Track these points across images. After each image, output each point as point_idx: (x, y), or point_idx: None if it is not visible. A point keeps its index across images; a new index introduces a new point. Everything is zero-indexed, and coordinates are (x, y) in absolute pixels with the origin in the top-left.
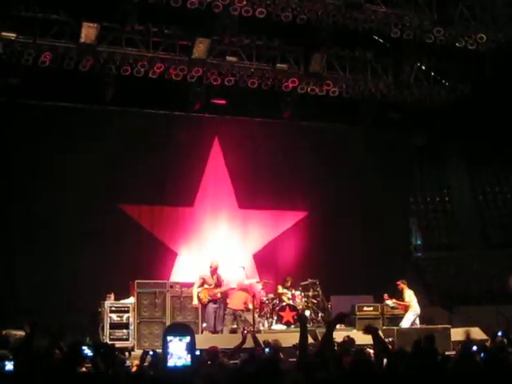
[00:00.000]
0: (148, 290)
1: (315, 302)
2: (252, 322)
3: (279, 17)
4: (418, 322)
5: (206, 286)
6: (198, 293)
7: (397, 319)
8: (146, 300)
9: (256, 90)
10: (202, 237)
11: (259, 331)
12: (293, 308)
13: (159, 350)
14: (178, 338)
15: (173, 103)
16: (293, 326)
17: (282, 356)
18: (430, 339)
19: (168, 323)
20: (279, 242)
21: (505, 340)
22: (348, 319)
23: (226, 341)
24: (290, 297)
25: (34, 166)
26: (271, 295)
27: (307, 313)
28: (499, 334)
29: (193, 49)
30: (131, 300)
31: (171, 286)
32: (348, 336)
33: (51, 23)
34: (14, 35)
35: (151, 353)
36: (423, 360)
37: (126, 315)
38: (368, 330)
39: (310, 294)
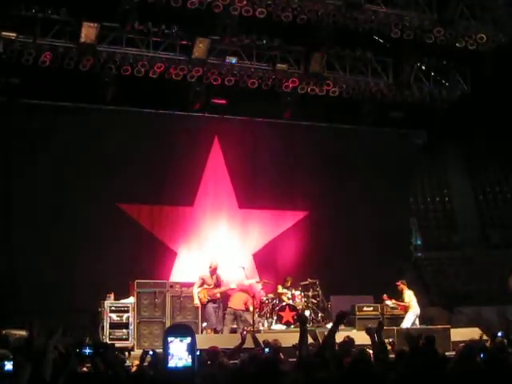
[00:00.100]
0: (148, 289)
1: (315, 301)
2: (252, 322)
3: (279, 17)
4: (417, 322)
5: (205, 286)
6: (198, 293)
7: (397, 319)
8: (146, 300)
9: (256, 90)
10: (201, 236)
11: (259, 331)
12: (293, 308)
13: (159, 350)
14: (178, 338)
15: (173, 103)
16: (292, 326)
17: (282, 356)
18: (430, 340)
19: (168, 323)
20: (279, 241)
21: (505, 340)
22: (348, 319)
23: (226, 341)
24: (290, 297)
25: (34, 166)
26: (271, 295)
27: (307, 313)
28: (499, 334)
29: (193, 49)
30: (131, 300)
31: (171, 286)
32: (348, 336)
33: (51, 23)
34: (14, 35)
35: (151, 353)
36: (423, 360)
37: (125, 315)
38: (367, 331)
39: (310, 293)
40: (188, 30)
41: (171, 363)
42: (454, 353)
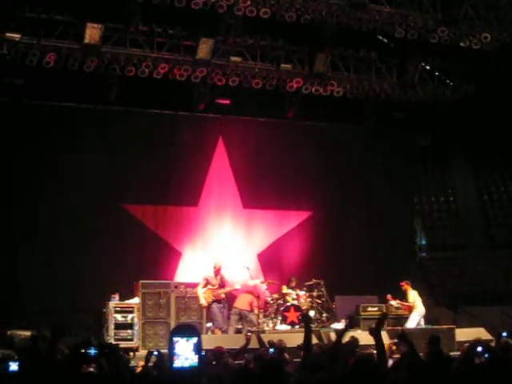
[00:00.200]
0: (152, 290)
1: (320, 302)
2: (256, 323)
3: (283, 17)
4: (422, 322)
5: (209, 286)
6: (203, 293)
7: (401, 319)
8: (151, 300)
9: (260, 90)
10: (206, 236)
11: (264, 331)
12: (297, 308)
13: (164, 351)
14: (184, 338)
15: (177, 103)
16: (297, 327)
17: (287, 356)
18: (435, 340)
19: (173, 323)
20: (283, 241)
21: (510, 341)
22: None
23: (231, 341)
24: (295, 297)
25: (38, 166)
26: (276, 295)
27: (312, 313)
28: (504, 334)
29: (197, 49)
30: (136, 300)
31: (176, 287)
32: (352, 336)
33: (55, 24)
34: (18, 36)
35: (156, 353)
36: (429, 361)
37: (130, 315)
38: (370, 331)
39: (315, 294)
40: (192, 30)
41: (177, 363)
42: (458, 353)
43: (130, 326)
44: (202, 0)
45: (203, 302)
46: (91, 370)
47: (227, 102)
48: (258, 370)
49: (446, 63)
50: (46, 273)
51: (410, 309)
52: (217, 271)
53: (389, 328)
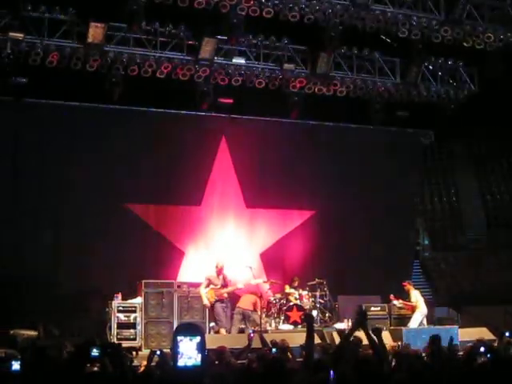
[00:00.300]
0: (155, 289)
1: (322, 301)
2: (259, 322)
3: (286, 17)
4: (425, 322)
5: (212, 286)
6: (205, 293)
7: (404, 319)
8: (154, 300)
9: (263, 90)
10: (209, 236)
11: (266, 331)
12: (300, 308)
13: (166, 350)
14: (188, 337)
15: (180, 103)
16: (300, 326)
17: (290, 356)
18: (436, 340)
19: (175, 323)
20: (286, 241)
21: None
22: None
23: (233, 341)
24: (298, 297)
25: (40, 165)
26: (278, 295)
27: (314, 313)
28: (507, 334)
29: (200, 49)
30: (138, 300)
31: (178, 286)
32: (355, 336)
33: (59, 23)
34: (21, 35)
35: (158, 352)
36: (430, 360)
37: (133, 315)
38: (374, 331)
39: (318, 293)
40: (195, 30)
41: (180, 362)
42: (461, 352)
43: (132, 325)
44: (205, 0)
45: (206, 302)
46: (95, 369)
47: (230, 101)
48: (260, 369)
49: (450, 63)
50: (48, 272)
51: (413, 309)
52: (219, 271)
53: (391, 328)
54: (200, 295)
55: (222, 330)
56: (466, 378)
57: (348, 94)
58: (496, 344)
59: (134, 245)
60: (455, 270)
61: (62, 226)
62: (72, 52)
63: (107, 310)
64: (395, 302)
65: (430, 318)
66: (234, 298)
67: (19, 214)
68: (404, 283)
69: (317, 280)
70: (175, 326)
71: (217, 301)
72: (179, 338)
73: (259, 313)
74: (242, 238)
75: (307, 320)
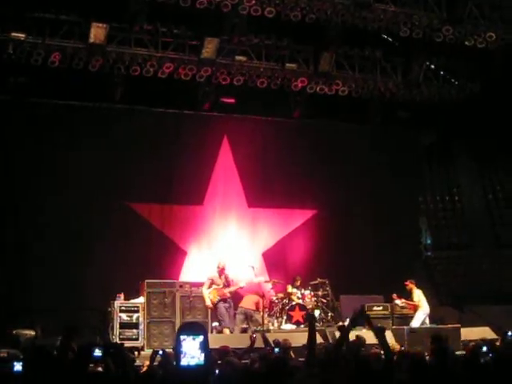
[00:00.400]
0: (157, 289)
1: (325, 301)
2: (261, 322)
3: (288, 16)
4: (427, 321)
5: (214, 286)
6: (208, 293)
7: (406, 319)
8: (156, 300)
9: (265, 90)
10: (211, 235)
11: (269, 331)
12: (302, 307)
13: (169, 350)
14: (191, 336)
15: (182, 102)
16: (302, 326)
17: (292, 355)
18: (438, 338)
19: (178, 323)
20: (288, 240)
21: None
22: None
23: (236, 340)
24: (300, 296)
25: (43, 165)
26: (281, 295)
27: (317, 312)
28: (509, 333)
29: (202, 49)
30: (141, 300)
31: (181, 286)
32: (358, 335)
33: (60, 23)
34: (23, 35)
35: (161, 352)
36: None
37: (135, 315)
38: (376, 330)
39: (320, 293)
40: (197, 29)
41: (183, 361)
42: (464, 352)
43: (135, 325)
44: None
45: (208, 302)
46: (99, 369)
47: (232, 100)
48: (263, 369)
49: (451, 62)
50: (50, 272)
51: (415, 308)
52: (221, 271)
53: (394, 327)
54: (202, 295)
55: (226, 330)
56: (468, 377)
57: (350, 94)
58: (499, 343)
59: (136, 244)
60: (458, 269)
61: (64, 224)
62: (74, 52)
63: (109, 309)
64: (397, 301)
65: (433, 317)
66: (236, 297)
67: (21, 213)
68: (406, 282)
69: (319, 279)
70: (177, 325)
71: (220, 300)
72: (182, 337)
73: (262, 312)
74: (245, 238)
75: (309, 320)
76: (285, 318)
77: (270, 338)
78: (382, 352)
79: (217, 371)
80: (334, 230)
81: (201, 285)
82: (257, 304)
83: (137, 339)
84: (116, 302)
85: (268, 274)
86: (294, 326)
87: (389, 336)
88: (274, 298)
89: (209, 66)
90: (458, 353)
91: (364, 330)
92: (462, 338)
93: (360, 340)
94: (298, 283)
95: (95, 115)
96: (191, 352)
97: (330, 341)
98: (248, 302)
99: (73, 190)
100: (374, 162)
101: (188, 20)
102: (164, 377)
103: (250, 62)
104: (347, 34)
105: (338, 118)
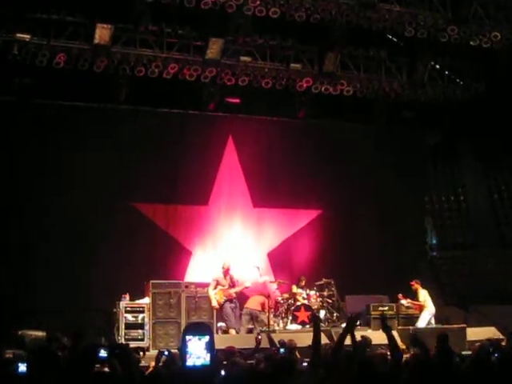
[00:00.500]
0: (163, 290)
1: (330, 301)
2: (267, 322)
3: (293, 16)
4: (433, 321)
5: (219, 287)
6: (214, 294)
7: (412, 319)
8: (161, 300)
9: (270, 90)
10: (216, 236)
11: (274, 331)
12: (308, 308)
13: (174, 350)
14: (197, 337)
15: (187, 103)
16: (308, 326)
17: (298, 356)
18: (443, 338)
19: (183, 323)
20: (294, 240)
21: None
22: (364, 319)
23: (242, 341)
24: (305, 297)
25: (48, 166)
26: (286, 295)
27: (322, 313)
28: None
29: (207, 49)
30: (146, 300)
31: (186, 286)
32: (363, 336)
33: (65, 24)
34: (28, 36)
35: (166, 353)
36: (438, 360)
37: (141, 315)
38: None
39: (325, 293)
40: (201, 30)
41: (189, 362)
42: (470, 352)
43: (140, 325)
44: (211, 0)
45: (215, 303)
46: (105, 369)
47: (237, 100)
48: (268, 369)
49: (456, 62)
50: (56, 273)
51: (421, 308)
52: (225, 271)
53: (399, 327)
54: (208, 296)
55: (232, 331)
56: (474, 377)
57: (355, 94)
58: (504, 343)
59: (141, 245)
60: (463, 269)
61: (69, 225)
62: (79, 53)
63: (115, 310)
64: (403, 301)
65: (438, 318)
66: (242, 298)
67: (27, 214)
68: (412, 282)
69: (324, 280)
70: (183, 326)
71: (226, 301)
72: (188, 337)
73: (267, 313)
74: (250, 238)
75: (313, 320)
76: (290, 318)
77: (276, 338)
78: (389, 353)
79: (222, 372)
80: (338, 230)
81: (206, 285)
82: (262, 305)
83: (142, 340)
84: (121, 303)
85: (273, 274)
86: (299, 327)
87: (395, 336)
88: (280, 299)
89: (213, 67)
90: (463, 353)
91: (369, 331)
92: (468, 338)
93: (366, 340)
94: (303, 283)
95: (100, 116)
96: (197, 352)
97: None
98: (253, 303)
99: (78, 190)
100: (378, 162)
101: (193, 21)
102: (169, 377)
103: (254, 63)
104: (352, 34)
105: (342, 118)
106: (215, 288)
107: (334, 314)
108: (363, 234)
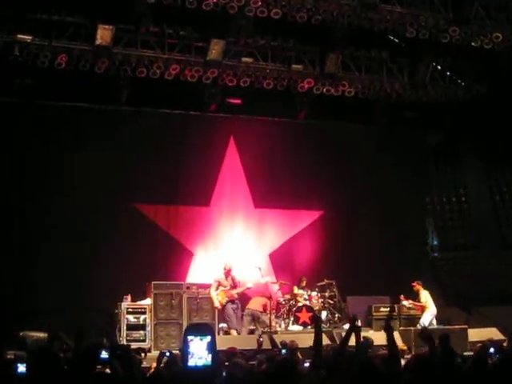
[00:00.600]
0: (164, 291)
1: (332, 302)
2: (268, 324)
3: (294, 17)
4: (434, 322)
5: (221, 288)
6: (216, 295)
7: (413, 320)
8: (163, 301)
9: (271, 91)
10: (218, 237)
11: (276, 332)
12: (309, 309)
13: (175, 351)
14: (198, 337)
15: (188, 104)
16: (309, 327)
17: (300, 357)
18: (445, 339)
19: (185, 324)
20: (295, 241)
21: None
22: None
23: (243, 342)
24: (307, 297)
25: (50, 166)
26: (288, 296)
27: (324, 314)
28: None
29: (208, 50)
30: (148, 301)
31: (188, 287)
32: (365, 337)
33: (67, 25)
34: (29, 37)
35: (168, 354)
36: (440, 360)
37: (142, 316)
38: (385, 328)
39: (327, 294)
40: (203, 31)
41: (191, 362)
42: (471, 353)
43: (142, 326)
44: (212, 1)
45: (217, 304)
46: (107, 371)
47: (238, 101)
48: (270, 370)
49: (458, 63)
50: (57, 273)
51: (423, 309)
52: (227, 272)
53: (401, 328)
54: (210, 297)
55: (233, 332)
56: (475, 377)
57: (356, 95)
58: (506, 344)
59: (142, 246)
60: (464, 270)
61: (70, 226)
62: (80, 54)
63: (116, 311)
64: (405, 302)
65: (440, 318)
66: (243, 299)
67: (28, 215)
68: (413, 283)
69: (326, 281)
70: (184, 327)
71: (227, 302)
72: (189, 337)
73: (269, 314)
74: (251, 239)
75: (315, 321)
76: (292, 319)
77: (277, 339)
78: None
79: (224, 373)
80: (340, 231)
81: (208, 286)
82: (264, 306)
83: (144, 341)
84: (123, 304)
85: (275, 275)
86: (301, 328)
87: (396, 337)
88: (281, 300)
89: (215, 68)
90: (465, 354)
91: (371, 332)
92: (469, 338)
93: (368, 341)
94: (304, 284)
95: (101, 117)
96: (198, 352)
97: (337, 342)
98: (255, 304)
99: (79, 191)
100: (380, 162)
101: (194, 22)
102: (171, 378)
103: (256, 64)
104: (353, 35)
105: (344, 119)
106: (217, 289)
107: (336, 315)
108: (365, 235)
